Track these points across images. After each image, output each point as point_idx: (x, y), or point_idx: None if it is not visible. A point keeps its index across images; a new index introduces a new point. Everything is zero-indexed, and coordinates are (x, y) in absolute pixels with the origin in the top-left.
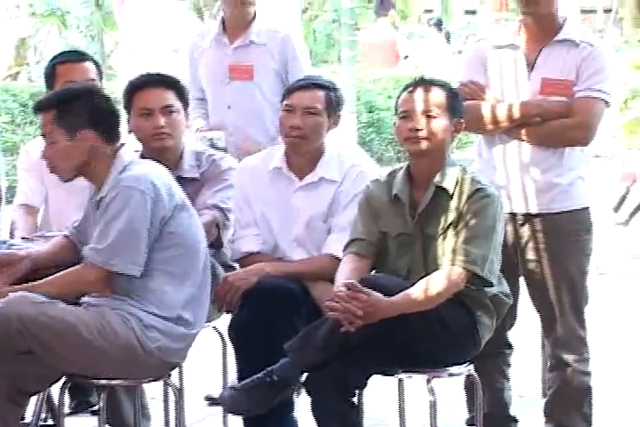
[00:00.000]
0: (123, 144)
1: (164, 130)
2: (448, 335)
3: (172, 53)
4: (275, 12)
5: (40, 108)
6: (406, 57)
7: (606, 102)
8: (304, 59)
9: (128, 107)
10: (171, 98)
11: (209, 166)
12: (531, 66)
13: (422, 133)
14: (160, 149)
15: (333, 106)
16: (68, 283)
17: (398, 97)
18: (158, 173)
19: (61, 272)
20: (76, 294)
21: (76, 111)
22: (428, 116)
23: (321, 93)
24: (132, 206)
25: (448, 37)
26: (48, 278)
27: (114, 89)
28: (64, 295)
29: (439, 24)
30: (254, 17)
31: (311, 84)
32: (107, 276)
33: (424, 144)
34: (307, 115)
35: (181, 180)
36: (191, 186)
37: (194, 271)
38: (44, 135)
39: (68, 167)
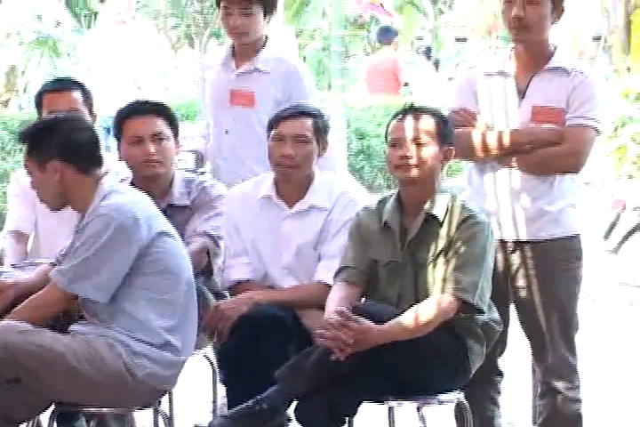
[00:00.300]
0: (106, 172)
1: (155, 157)
2: (438, 363)
3: (134, 90)
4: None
5: (19, 139)
6: (406, 84)
7: (597, 130)
8: (310, 93)
9: (118, 135)
10: (160, 125)
11: (199, 194)
12: (522, 93)
13: (412, 161)
14: (151, 177)
15: (321, 133)
16: (34, 307)
17: (388, 125)
18: (138, 202)
19: (29, 297)
20: (44, 317)
21: (46, 144)
22: (418, 144)
23: (309, 121)
24: (106, 234)
25: (437, 65)
26: (19, 306)
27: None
28: (34, 320)
29: (428, 52)
30: (264, 44)
31: (299, 113)
32: (68, 298)
33: (414, 172)
34: (297, 143)
35: (172, 207)
36: (181, 214)
37: (178, 297)
38: (25, 165)
39: (48, 197)
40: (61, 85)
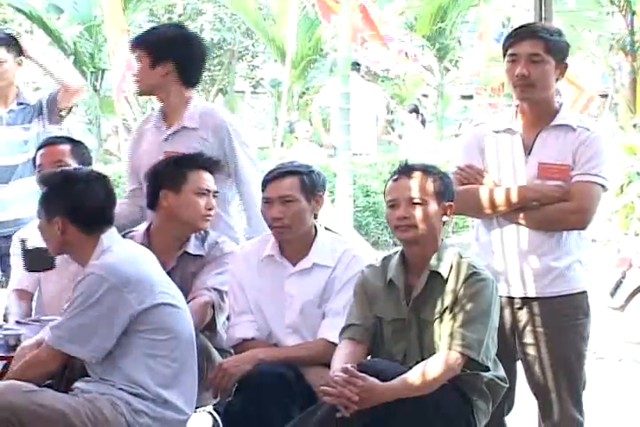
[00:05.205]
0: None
1: (211, 212)
2: (443, 420)
3: None
4: None
5: (38, 182)
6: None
7: (603, 187)
8: (241, 145)
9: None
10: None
11: (213, 247)
12: (528, 150)
13: (411, 221)
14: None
15: (310, 189)
16: (29, 366)
17: (385, 186)
18: (134, 260)
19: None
20: (40, 375)
21: (56, 201)
22: (416, 204)
23: (295, 180)
24: (97, 294)
25: (423, 123)
26: (17, 365)
27: (111, 172)
28: (30, 379)
29: (416, 110)
30: (189, 101)
31: (283, 173)
32: (60, 356)
33: (414, 231)
34: (284, 204)
35: (188, 255)
36: (193, 263)
37: (177, 356)
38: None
39: (49, 244)
40: (52, 140)
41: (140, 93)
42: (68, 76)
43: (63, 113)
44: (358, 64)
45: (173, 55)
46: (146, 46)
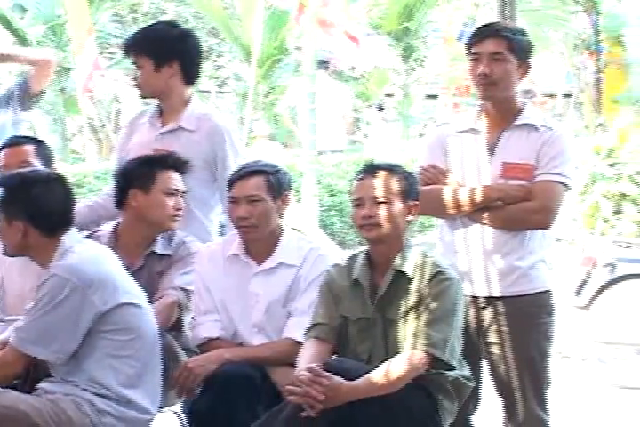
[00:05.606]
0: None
1: (179, 212)
2: (409, 419)
3: None
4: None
5: None
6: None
7: (566, 186)
8: (233, 151)
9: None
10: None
11: (178, 248)
12: (491, 150)
13: (375, 220)
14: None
15: (276, 188)
16: None
17: (351, 185)
18: (97, 260)
19: None
20: (3, 377)
21: (15, 203)
22: (380, 203)
23: (261, 179)
24: (60, 296)
25: (407, 121)
26: None
27: (77, 172)
28: None
29: (380, 109)
30: (189, 101)
31: (249, 172)
32: (24, 357)
33: (379, 231)
34: (250, 203)
35: (155, 255)
36: (159, 263)
37: (141, 356)
38: None
39: (8, 247)
40: (16, 140)
41: (144, 97)
42: (39, 52)
43: (34, 99)
44: (326, 62)
45: (178, 55)
46: (147, 50)
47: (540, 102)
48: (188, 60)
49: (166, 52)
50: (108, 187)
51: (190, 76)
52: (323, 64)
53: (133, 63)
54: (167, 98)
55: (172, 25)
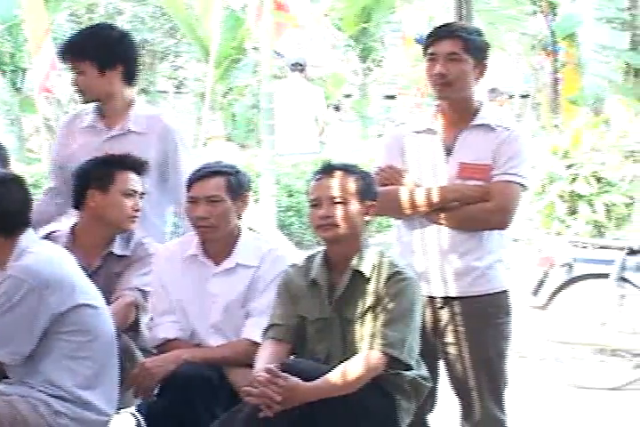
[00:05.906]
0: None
1: (137, 213)
2: (367, 419)
3: None
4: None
5: None
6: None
7: (523, 186)
8: (184, 152)
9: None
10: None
11: (137, 248)
12: (448, 150)
13: (332, 220)
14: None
15: (236, 189)
16: None
17: (308, 185)
18: (53, 261)
19: None
20: None
21: None
22: (338, 203)
23: (221, 180)
24: (16, 296)
25: (365, 122)
26: None
27: (34, 172)
28: None
29: (338, 109)
30: (132, 102)
31: (209, 173)
32: None
33: (335, 231)
34: (210, 204)
35: (113, 255)
36: (118, 264)
37: (97, 358)
38: None
39: None
40: None
41: (87, 102)
42: None
43: None
44: (301, 65)
45: (121, 58)
46: (90, 56)
47: (502, 101)
48: (131, 62)
49: (110, 57)
50: (50, 185)
51: (132, 77)
52: (298, 66)
53: (71, 69)
54: (110, 100)
55: (109, 28)
